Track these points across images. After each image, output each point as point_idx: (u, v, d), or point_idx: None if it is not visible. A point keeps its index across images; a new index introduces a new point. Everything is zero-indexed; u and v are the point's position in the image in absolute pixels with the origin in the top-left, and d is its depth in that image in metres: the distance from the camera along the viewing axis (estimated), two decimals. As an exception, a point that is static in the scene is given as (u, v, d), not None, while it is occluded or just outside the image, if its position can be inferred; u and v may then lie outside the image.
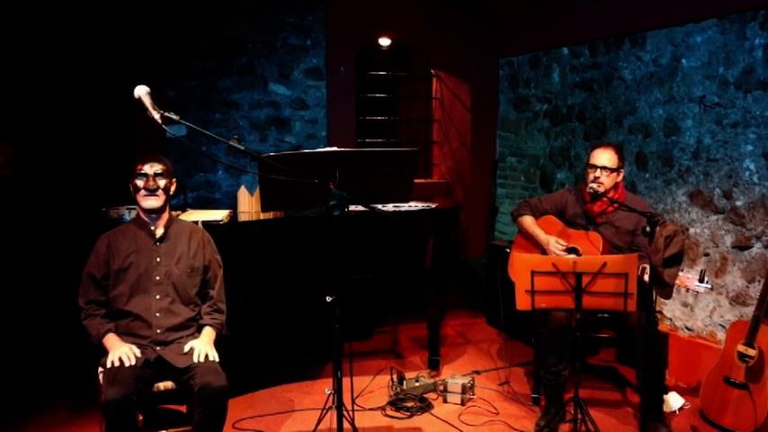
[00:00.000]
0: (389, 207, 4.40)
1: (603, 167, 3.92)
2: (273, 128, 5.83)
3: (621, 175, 4.02)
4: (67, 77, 5.09)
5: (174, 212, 3.47)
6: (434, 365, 4.67)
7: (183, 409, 3.47)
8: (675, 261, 3.11)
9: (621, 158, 4.00)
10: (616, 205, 3.86)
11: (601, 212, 4.01)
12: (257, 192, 4.21)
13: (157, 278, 3.22)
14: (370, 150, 3.73)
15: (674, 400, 4.07)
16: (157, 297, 3.20)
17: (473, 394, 4.25)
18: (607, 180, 3.92)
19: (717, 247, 4.31)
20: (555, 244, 3.99)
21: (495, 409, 4.11)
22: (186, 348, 3.14)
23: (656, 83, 4.68)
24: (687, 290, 3.37)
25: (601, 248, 3.87)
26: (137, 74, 5.16)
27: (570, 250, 3.95)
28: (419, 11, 6.21)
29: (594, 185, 3.86)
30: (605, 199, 3.88)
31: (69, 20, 5.06)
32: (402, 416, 4.02)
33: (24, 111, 5.04)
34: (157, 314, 3.18)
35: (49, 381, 4.37)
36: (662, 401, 3.91)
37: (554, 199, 4.26)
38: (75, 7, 5.06)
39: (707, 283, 3.31)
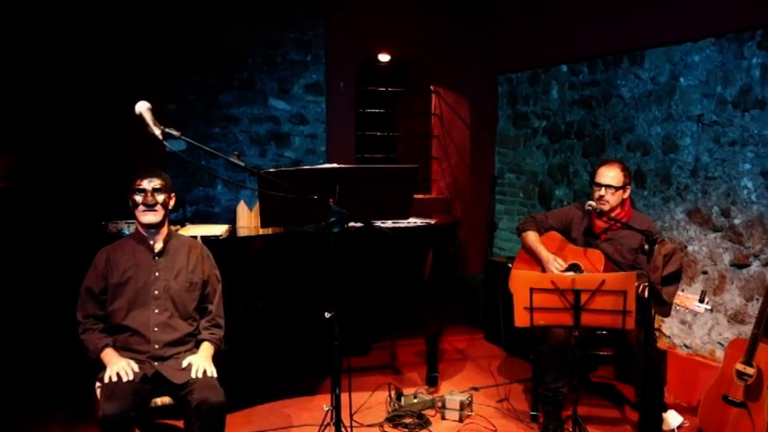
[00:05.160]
0: (389, 223, 4.41)
1: (608, 186, 3.93)
2: (273, 143, 5.84)
3: (628, 191, 4.03)
4: (69, 91, 5.11)
5: (173, 227, 3.47)
6: (432, 382, 4.65)
7: (181, 424, 3.45)
8: (674, 279, 3.12)
9: (627, 175, 4.00)
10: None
11: (606, 229, 4.02)
12: (256, 206, 4.21)
13: (156, 293, 3.21)
14: (369, 167, 3.74)
15: (672, 419, 4.05)
16: (156, 312, 3.19)
17: (471, 411, 4.23)
18: (612, 198, 3.93)
19: (715, 264, 4.32)
20: (554, 263, 4.00)
21: (493, 426, 4.09)
22: (184, 364, 3.13)
23: (655, 101, 4.71)
24: (687, 309, 3.37)
25: (603, 266, 3.87)
26: (137, 87, 5.18)
27: (572, 267, 3.95)
28: (419, 27, 6.24)
29: (595, 204, 3.86)
30: (605, 218, 3.89)
31: (71, 33, 5.08)
32: (400, 432, 4.01)
33: (25, 123, 5.05)
34: (156, 329, 3.18)
35: (47, 394, 4.36)
36: (661, 419, 3.90)
37: (559, 215, 4.27)
38: (77, 21, 5.08)
39: (707, 303, 3.31)
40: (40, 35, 5.02)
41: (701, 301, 3.32)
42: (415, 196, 3.94)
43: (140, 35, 5.35)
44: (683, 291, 3.37)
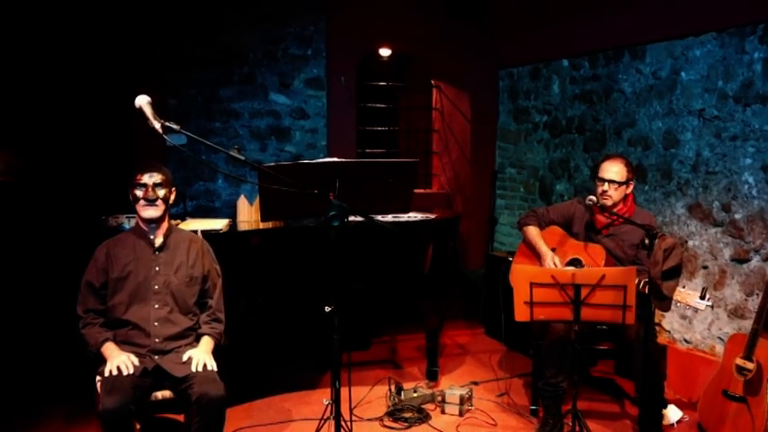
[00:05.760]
0: (389, 218, 4.41)
1: (611, 181, 3.91)
2: (273, 137, 5.83)
3: (631, 187, 4.02)
4: (69, 86, 5.10)
5: (173, 221, 3.47)
6: (433, 376, 4.66)
7: (181, 418, 3.46)
8: (674, 274, 3.12)
9: (631, 171, 3.98)
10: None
11: (608, 224, 4.01)
12: (257, 201, 4.21)
13: (156, 287, 3.22)
14: (369, 161, 3.74)
15: (672, 413, 4.06)
16: (156, 306, 3.20)
17: (471, 405, 4.24)
18: (615, 194, 3.92)
19: (715, 259, 4.32)
20: (550, 261, 3.99)
21: (493, 420, 4.10)
22: (184, 357, 3.13)
23: (656, 95, 4.70)
24: (687, 306, 3.37)
25: (604, 261, 3.87)
26: (138, 82, 5.18)
27: (572, 262, 3.95)
28: (420, 22, 6.23)
29: (596, 198, 3.84)
30: (607, 213, 3.89)
31: (71, 29, 5.08)
32: (400, 427, 4.01)
33: (25, 118, 5.05)
34: (156, 323, 3.18)
35: (47, 388, 4.36)
36: (660, 414, 3.91)
37: (561, 209, 4.26)
38: (78, 17, 5.08)
39: (708, 300, 3.31)
40: (41, 33, 5.01)
41: (702, 297, 3.32)
42: (416, 191, 3.94)
43: (140, 35, 5.34)
44: (683, 287, 3.37)
